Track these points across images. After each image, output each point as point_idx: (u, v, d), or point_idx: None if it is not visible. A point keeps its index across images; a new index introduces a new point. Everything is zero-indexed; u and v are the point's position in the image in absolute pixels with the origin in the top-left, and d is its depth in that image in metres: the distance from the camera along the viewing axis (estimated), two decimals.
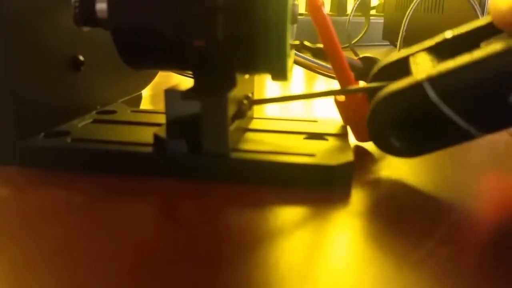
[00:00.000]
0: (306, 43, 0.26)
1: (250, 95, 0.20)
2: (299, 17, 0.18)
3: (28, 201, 0.15)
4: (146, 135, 0.19)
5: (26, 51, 0.18)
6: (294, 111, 0.30)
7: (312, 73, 0.26)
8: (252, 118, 0.22)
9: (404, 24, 0.37)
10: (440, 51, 0.17)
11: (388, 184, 0.17)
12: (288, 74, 0.17)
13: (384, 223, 0.14)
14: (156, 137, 0.17)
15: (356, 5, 0.57)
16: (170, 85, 0.17)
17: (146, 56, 0.17)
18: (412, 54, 0.17)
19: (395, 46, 0.85)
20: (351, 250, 0.13)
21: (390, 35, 0.81)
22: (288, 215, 0.14)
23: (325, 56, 0.25)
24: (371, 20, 0.74)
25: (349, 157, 0.17)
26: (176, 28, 0.16)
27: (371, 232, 0.14)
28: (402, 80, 0.16)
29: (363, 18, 0.74)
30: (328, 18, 0.19)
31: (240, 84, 0.18)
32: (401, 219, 0.14)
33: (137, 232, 0.13)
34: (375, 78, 0.20)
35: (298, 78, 0.45)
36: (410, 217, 0.14)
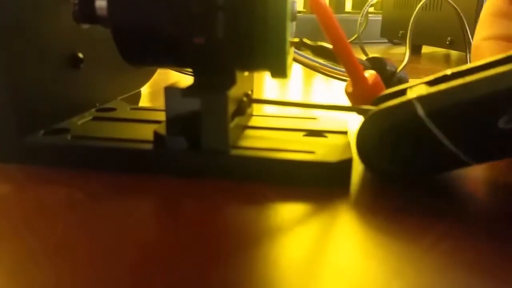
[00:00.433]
0: (306, 40, 0.26)
1: (249, 92, 0.20)
2: (298, 14, 0.18)
3: (28, 199, 0.15)
4: (146, 132, 0.19)
5: (25, 48, 0.18)
6: (293, 108, 0.30)
7: (311, 70, 0.26)
8: (251, 115, 0.22)
9: (411, 24, 0.37)
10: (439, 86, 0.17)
11: (387, 180, 0.17)
12: (288, 72, 0.17)
13: (384, 219, 0.14)
14: (156, 134, 0.18)
15: (371, 3, 0.56)
16: (169, 82, 0.17)
17: (145, 53, 0.17)
18: (411, 87, 0.17)
19: (393, 43, 0.85)
20: (350, 246, 0.13)
21: (388, 33, 0.81)
22: (287, 211, 0.15)
23: (324, 54, 0.25)
24: (369, 18, 0.74)
25: (349, 154, 0.17)
26: (176, 26, 0.16)
27: (370, 228, 0.14)
28: (394, 100, 0.16)
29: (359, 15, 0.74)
30: (330, 9, 0.19)
31: (239, 81, 0.18)
32: (401, 215, 0.14)
33: (137, 229, 0.13)
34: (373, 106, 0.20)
35: (297, 76, 0.45)
36: (410, 213, 0.14)
